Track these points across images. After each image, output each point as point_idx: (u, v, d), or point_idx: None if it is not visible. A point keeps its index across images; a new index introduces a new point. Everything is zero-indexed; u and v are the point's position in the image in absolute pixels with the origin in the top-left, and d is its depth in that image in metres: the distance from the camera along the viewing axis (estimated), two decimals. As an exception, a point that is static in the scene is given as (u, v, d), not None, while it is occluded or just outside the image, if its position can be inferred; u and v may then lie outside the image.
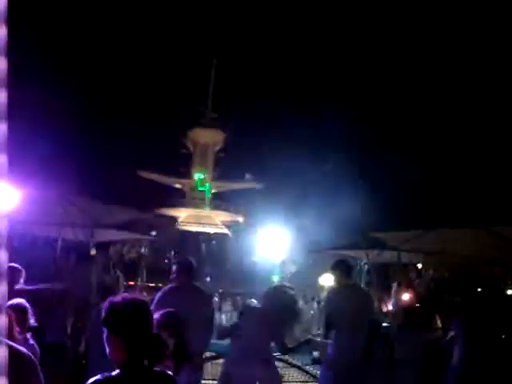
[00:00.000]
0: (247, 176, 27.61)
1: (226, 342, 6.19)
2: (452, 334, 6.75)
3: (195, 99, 44.75)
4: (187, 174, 46.42)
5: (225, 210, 44.34)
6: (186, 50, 44.92)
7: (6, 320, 1.48)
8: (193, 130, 45.37)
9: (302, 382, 10.23)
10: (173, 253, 32.00)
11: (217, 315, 15.42)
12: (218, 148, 46.56)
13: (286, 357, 11.11)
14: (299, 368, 11.26)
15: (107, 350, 2.29)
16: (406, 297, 11.61)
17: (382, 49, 41.35)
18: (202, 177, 45.38)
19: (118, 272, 13.76)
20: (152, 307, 2.61)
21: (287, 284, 6.75)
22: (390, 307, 12.77)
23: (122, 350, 2.24)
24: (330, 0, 43.25)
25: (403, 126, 37.51)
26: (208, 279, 27.72)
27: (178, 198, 44.97)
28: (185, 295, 5.58)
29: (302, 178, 37.58)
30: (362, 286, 12.91)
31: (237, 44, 45.64)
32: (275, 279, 17.87)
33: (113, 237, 15.47)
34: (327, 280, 15.10)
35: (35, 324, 4.32)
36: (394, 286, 13.14)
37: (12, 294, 4.18)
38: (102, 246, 14.28)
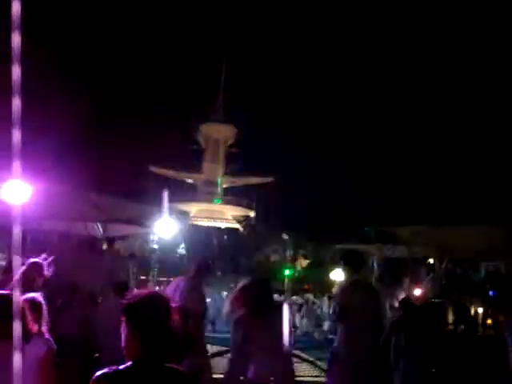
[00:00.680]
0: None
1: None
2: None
3: (207, 95, 44.89)
4: (199, 169, 46.53)
5: (237, 204, 44.44)
6: (198, 46, 44.98)
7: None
8: (204, 125, 45.45)
9: (313, 376, 10.23)
10: (183, 247, 32.13)
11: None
12: (229, 143, 46.61)
13: (298, 351, 11.12)
14: (311, 363, 11.27)
15: (122, 343, 2.30)
16: (417, 292, 11.56)
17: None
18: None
19: (130, 266, 13.84)
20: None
21: None
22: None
23: (138, 344, 2.25)
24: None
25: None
26: (219, 273, 27.78)
27: (190, 193, 45.12)
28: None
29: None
30: (373, 280, 12.88)
31: (247, 41, 45.63)
32: (287, 273, 17.89)
33: (124, 231, 15.56)
34: (338, 275, 15.08)
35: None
36: (406, 281, 13.11)
37: (30, 287, 4.23)
38: (114, 241, 14.37)
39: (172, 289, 5.71)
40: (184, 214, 40.00)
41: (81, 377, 5.38)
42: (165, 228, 10.19)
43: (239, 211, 44.32)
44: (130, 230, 15.35)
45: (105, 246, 11.67)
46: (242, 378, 5.26)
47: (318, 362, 10.88)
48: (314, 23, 46.02)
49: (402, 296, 12.09)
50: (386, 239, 13.90)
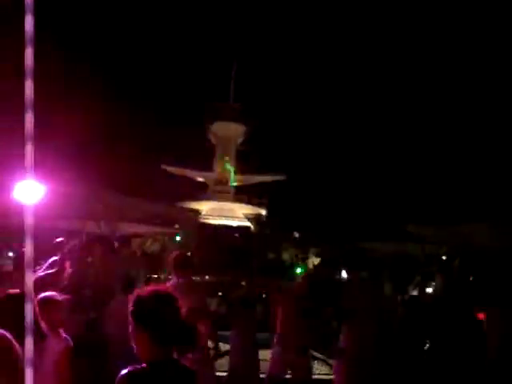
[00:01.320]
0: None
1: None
2: None
3: (218, 93, 44.92)
4: (210, 168, 46.54)
5: (248, 202, 44.40)
6: (209, 45, 45.05)
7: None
8: (215, 123, 45.45)
9: (323, 374, 10.22)
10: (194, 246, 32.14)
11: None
12: (240, 141, 46.58)
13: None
14: (322, 361, 11.25)
15: (133, 344, 2.28)
16: (429, 290, 11.51)
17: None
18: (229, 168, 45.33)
19: (141, 265, 13.89)
20: None
21: None
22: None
23: (150, 344, 2.23)
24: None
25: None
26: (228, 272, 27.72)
27: (201, 191, 45.15)
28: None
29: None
30: (384, 278, 12.81)
31: (258, 39, 45.59)
32: (299, 271, 17.83)
33: (136, 230, 15.60)
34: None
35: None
36: (418, 279, 13.04)
37: (44, 286, 4.25)
38: (126, 240, 14.42)
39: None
40: (195, 212, 40.03)
41: (91, 375, 5.42)
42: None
43: (250, 209, 44.26)
44: (141, 229, 15.39)
45: (117, 245, 11.72)
46: None
47: (329, 360, 10.87)
48: (325, 27, 45.94)
49: (413, 293, 12.06)
50: (399, 237, 13.86)
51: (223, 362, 7.60)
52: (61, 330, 3.96)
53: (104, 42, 36.54)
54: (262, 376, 6.98)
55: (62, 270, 5.62)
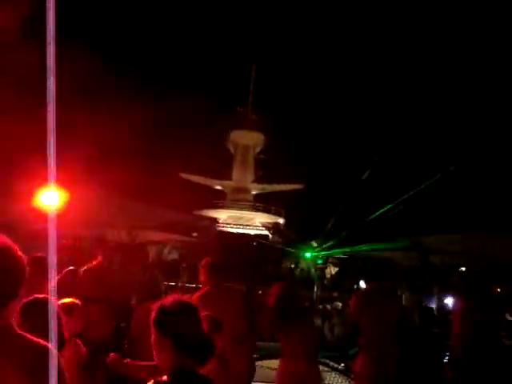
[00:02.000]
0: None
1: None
2: None
3: (236, 102, 45.11)
4: (228, 176, 46.71)
5: (266, 211, 44.43)
6: (228, 53, 45.30)
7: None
8: (233, 132, 45.64)
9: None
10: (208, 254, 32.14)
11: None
12: (258, 150, 46.70)
13: (327, 360, 11.03)
14: (341, 372, 11.16)
15: (154, 353, 2.29)
16: (449, 300, 11.41)
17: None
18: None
19: (160, 272, 13.96)
20: None
21: None
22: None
23: (171, 353, 2.24)
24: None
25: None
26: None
27: (219, 200, 45.30)
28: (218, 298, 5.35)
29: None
30: (403, 289, 12.72)
31: (277, 47, 45.72)
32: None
33: (154, 238, 15.69)
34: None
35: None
36: (436, 289, 12.95)
37: (65, 293, 4.29)
38: (144, 247, 14.50)
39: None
40: (212, 221, 40.17)
41: (112, 382, 5.44)
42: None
43: (268, 218, 44.27)
44: (160, 237, 15.49)
45: (135, 252, 11.81)
46: None
47: (348, 372, 10.77)
48: (346, 33, 45.89)
49: (432, 305, 11.95)
50: (417, 247, 13.74)
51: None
52: (76, 339, 3.99)
53: (121, 45, 36.84)
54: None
55: (74, 277, 5.66)
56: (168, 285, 16.93)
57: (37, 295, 3.10)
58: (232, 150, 47.17)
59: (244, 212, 44.40)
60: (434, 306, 12.81)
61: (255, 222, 43.94)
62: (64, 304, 3.99)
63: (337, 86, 44.22)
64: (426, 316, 6.95)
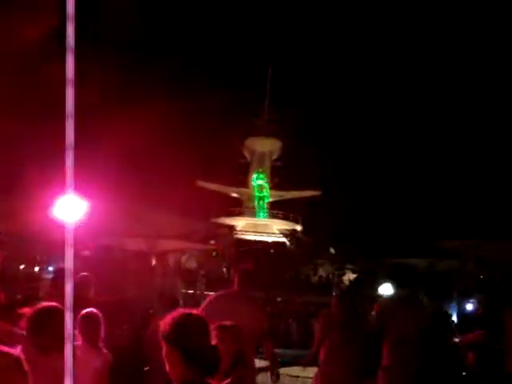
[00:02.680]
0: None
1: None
2: None
3: (252, 109, 45.19)
4: (245, 184, 46.80)
5: (283, 218, 44.37)
6: (243, 59, 45.44)
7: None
8: (250, 139, 45.73)
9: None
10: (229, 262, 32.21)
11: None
12: (275, 157, 46.73)
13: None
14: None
15: (166, 365, 2.33)
16: (469, 307, 11.30)
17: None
18: (259, 182, 45.56)
19: (178, 280, 14.00)
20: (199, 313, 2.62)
21: None
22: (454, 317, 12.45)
23: (182, 365, 2.28)
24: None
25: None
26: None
27: (236, 207, 45.36)
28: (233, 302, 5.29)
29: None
30: (422, 295, 12.59)
31: (292, 53, 45.80)
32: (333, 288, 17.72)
33: (172, 246, 15.73)
34: (387, 289, 14.82)
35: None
36: (455, 294, 12.83)
37: (84, 303, 4.34)
38: (163, 256, 14.57)
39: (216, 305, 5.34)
40: (230, 229, 40.21)
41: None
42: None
43: (285, 225, 44.19)
44: (178, 245, 15.52)
45: (154, 261, 11.86)
46: None
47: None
48: (363, 35, 45.83)
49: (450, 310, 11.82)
50: (436, 253, 13.64)
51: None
52: (101, 345, 4.03)
53: (141, 55, 37.13)
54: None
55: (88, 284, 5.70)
56: (186, 292, 16.99)
57: (46, 303, 3.16)
58: (248, 156, 47.23)
59: (261, 219, 44.39)
60: (454, 313, 12.70)
61: (273, 229, 43.90)
62: (85, 314, 4.03)
63: (353, 90, 44.11)
64: (439, 320, 6.75)
